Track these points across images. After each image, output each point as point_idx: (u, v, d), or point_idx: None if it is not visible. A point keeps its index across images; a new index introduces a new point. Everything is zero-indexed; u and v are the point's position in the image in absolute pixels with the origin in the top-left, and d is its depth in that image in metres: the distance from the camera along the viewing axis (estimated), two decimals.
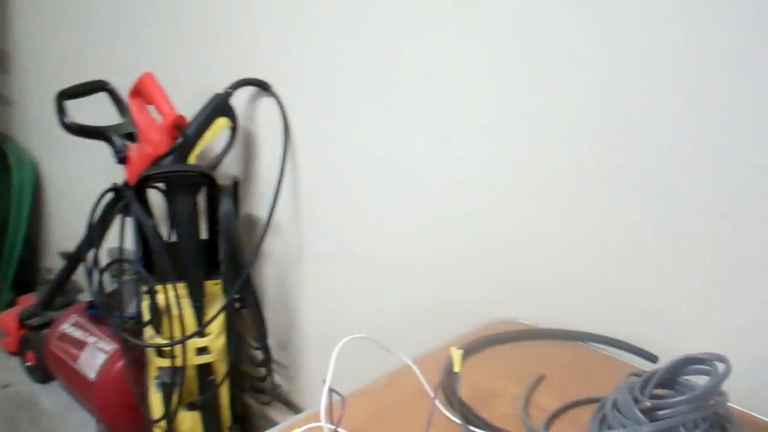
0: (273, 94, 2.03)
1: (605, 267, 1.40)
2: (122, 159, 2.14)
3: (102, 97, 2.33)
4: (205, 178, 2.03)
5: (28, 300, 2.99)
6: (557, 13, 1.37)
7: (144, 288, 2.02)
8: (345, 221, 1.94)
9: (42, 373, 2.77)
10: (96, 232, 2.26)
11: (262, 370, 2.23)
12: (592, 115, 1.35)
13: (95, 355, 2.40)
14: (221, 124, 2.07)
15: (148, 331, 2.02)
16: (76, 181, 3.04)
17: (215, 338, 2.05)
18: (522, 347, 1.36)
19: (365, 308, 1.94)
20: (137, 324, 2.03)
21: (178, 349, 2.00)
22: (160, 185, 2.06)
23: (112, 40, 2.65)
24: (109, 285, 2.30)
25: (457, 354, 1.11)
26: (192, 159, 2.06)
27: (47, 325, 2.75)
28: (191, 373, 2.10)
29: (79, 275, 2.73)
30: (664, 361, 1.21)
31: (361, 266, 1.93)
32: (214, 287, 2.11)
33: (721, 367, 1.00)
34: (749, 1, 1.14)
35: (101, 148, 2.19)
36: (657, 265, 1.32)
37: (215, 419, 2.16)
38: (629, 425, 0.99)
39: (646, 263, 1.34)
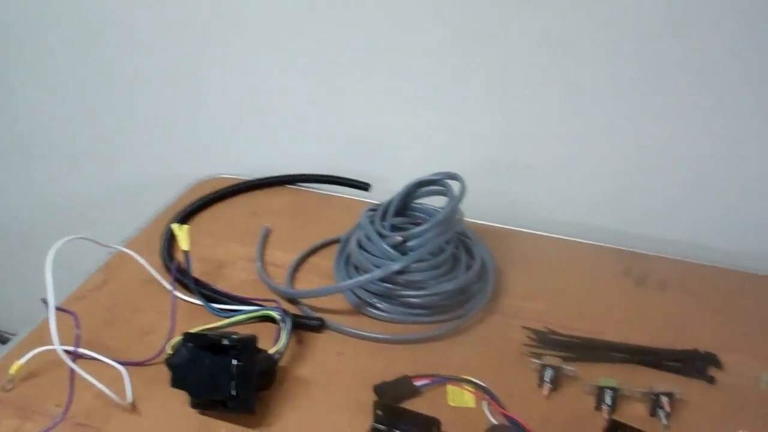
0: None
1: (311, 106, 1.35)
2: None
3: None
4: None
5: None
6: None
7: None
8: None
9: None
10: None
11: None
12: None
13: None
14: None
15: None
16: None
17: None
18: (236, 204, 1.29)
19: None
20: None
21: None
22: None
23: None
24: None
25: (182, 231, 1.00)
26: None
27: None
28: None
29: None
30: (378, 189, 1.25)
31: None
32: None
33: (456, 186, 1.04)
34: None
35: None
36: (359, 93, 1.30)
37: None
38: (382, 264, 0.99)
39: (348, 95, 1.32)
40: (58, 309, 0.86)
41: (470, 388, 0.90)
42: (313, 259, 1.14)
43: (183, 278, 1.02)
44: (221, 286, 1.05)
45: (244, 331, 0.89)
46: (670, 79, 1.13)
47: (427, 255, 1.00)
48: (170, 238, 1.13)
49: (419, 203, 1.10)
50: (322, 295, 1.01)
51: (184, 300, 1.01)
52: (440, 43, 1.21)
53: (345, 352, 0.96)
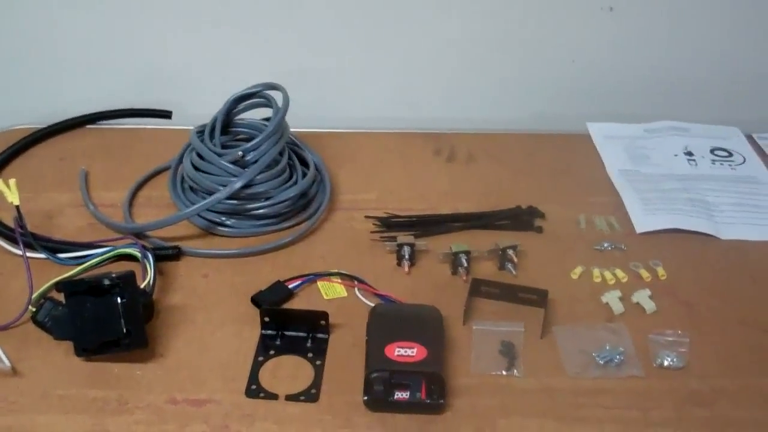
0: None
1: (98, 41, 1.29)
2: None
3: None
4: None
5: None
6: None
7: None
8: None
9: None
10: None
11: None
12: None
13: None
14: None
15: None
16: None
17: None
18: (40, 154, 1.23)
19: None
20: None
21: None
22: None
23: None
24: None
25: (9, 185, 0.94)
26: None
27: None
28: None
29: None
30: (178, 116, 1.24)
31: None
32: None
33: (279, 96, 1.07)
34: None
35: None
36: (147, 20, 1.27)
37: None
38: (224, 182, 1.01)
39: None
40: None
41: (338, 280, 0.97)
42: (144, 193, 1.13)
43: (17, 234, 0.97)
44: (59, 236, 1.02)
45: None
46: None
47: (267, 166, 1.04)
48: None
49: (241, 119, 1.12)
50: (172, 223, 1.01)
51: (28, 257, 0.96)
52: None
53: (209, 273, 0.98)
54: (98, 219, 1.06)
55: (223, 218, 1.04)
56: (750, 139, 1.31)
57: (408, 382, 0.80)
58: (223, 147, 1.07)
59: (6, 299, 0.92)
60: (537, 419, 0.80)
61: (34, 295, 0.88)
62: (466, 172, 1.21)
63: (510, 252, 0.99)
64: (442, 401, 0.80)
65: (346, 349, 0.88)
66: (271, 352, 0.87)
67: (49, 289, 0.90)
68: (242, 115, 1.12)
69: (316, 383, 0.83)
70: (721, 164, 1.24)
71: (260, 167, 1.02)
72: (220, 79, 1.18)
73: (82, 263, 0.95)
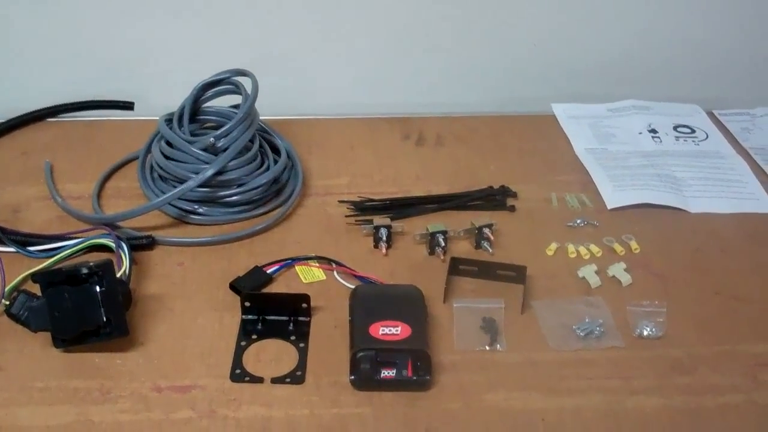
0: None
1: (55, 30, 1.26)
2: None
3: None
4: None
5: None
6: None
7: None
8: None
9: None
10: None
11: None
12: None
13: None
14: None
15: None
16: None
17: None
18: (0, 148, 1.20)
19: None
20: None
21: None
22: None
23: None
24: None
25: None
26: None
27: None
28: None
29: None
30: (140, 107, 1.23)
31: None
32: None
33: (248, 82, 1.07)
34: None
35: None
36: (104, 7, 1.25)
37: None
38: (195, 170, 1.00)
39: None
40: None
41: (316, 264, 0.97)
42: (112, 184, 1.12)
43: None
44: (26, 228, 1.00)
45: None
46: None
47: (238, 152, 1.04)
48: None
49: (209, 107, 1.12)
50: (144, 212, 1.00)
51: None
52: None
53: (184, 261, 0.98)
54: (67, 211, 1.04)
55: (196, 206, 1.03)
56: (711, 115, 1.35)
57: (394, 360, 0.81)
58: (192, 135, 1.07)
59: None
60: (522, 392, 0.82)
61: (7, 288, 0.87)
62: (436, 155, 1.22)
63: (486, 230, 1.00)
64: (428, 377, 0.81)
65: (329, 331, 0.88)
66: (254, 337, 0.87)
67: (21, 282, 0.90)
68: (210, 103, 1.12)
69: (301, 365, 0.83)
70: (685, 140, 1.27)
71: (232, 154, 1.01)
72: (183, 69, 1.17)
73: (54, 255, 0.94)
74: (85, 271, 0.80)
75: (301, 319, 0.89)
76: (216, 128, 1.06)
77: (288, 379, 0.82)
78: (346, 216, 1.06)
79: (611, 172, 1.16)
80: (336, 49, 1.32)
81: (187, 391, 0.80)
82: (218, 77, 1.09)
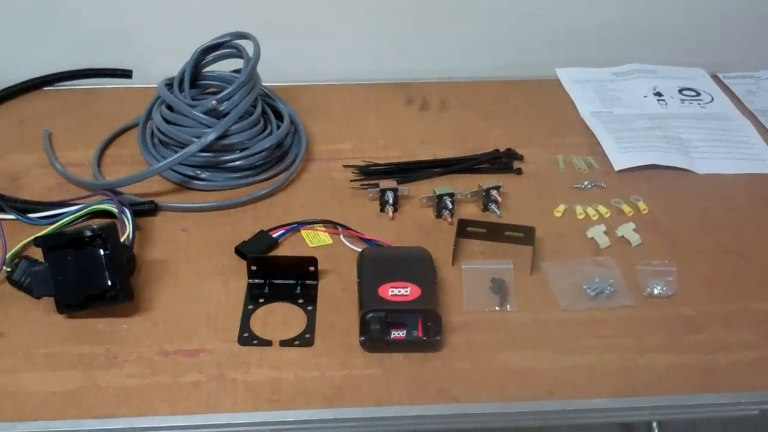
0: None
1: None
2: None
3: None
4: None
5: None
6: None
7: None
8: None
9: None
10: None
11: None
12: None
13: None
14: None
15: None
16: None
17: None
18: None
19: None
20: None
21: None
22: None
23: None
24: None
25: None
26: None
27: None
28: None
29: None
30: (138, 76, 1.22)
31: None
32: None
33: (249, 46, 1.05)
34: None
35: None
36: None
37: None
38: (197, 134, 0.99)
39: None
40: None
41: (322, 228, 0.96)
42: (111, 151, 1.10)
43: None
44: (26, 195, 0.99)
45: None
46: None
47: (241, 116, 1.02)
48: None
49: (210, 71, 1.10)
50: (145, 177, 0.99)
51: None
52: None
53: (188, 227, 0.96)
54: (67, 178, 1.03)
55: (198, 171, 1.02)
56: (715, 78, 1.34)
57: (404, 320, 0.80)
58: (193, 100, 1.05)
59: None
60: (533, 351, 0.81)
61: (8, 255, 0.86)
62: (440, 119, 1.20)
63: (494, 192, 0.99)
64: (438, 338, 0.80)
65: (337, 294, 0.87)
66: (261, 301, 0.86)
67: (22, 249, 0.88)
68: (211, 68, 1.10)
69: (310, 328, 0.83)
70: (690, 103, 1.26)
71: (235, 117, 1.00)
72: (182, 38, 1.15)
73: (55, 222, 0.92)
74: (88, 233, 0.79)
75: (308, 282, 0.88)
76: (217, 93, 1.03)
77: (297, 342, 0.81)
78: (351, 180, 1.05)
79: (618, 135, 1.15)
80: (338, 14, 1.30)
81: (195, 355, 0.79)
82: (219, 40, 1.07)
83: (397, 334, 0.80)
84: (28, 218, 0.94)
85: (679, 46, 1.39)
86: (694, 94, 1.28)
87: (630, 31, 1.37)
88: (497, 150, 1.11)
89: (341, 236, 0.95)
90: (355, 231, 0.94)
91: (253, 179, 1.03)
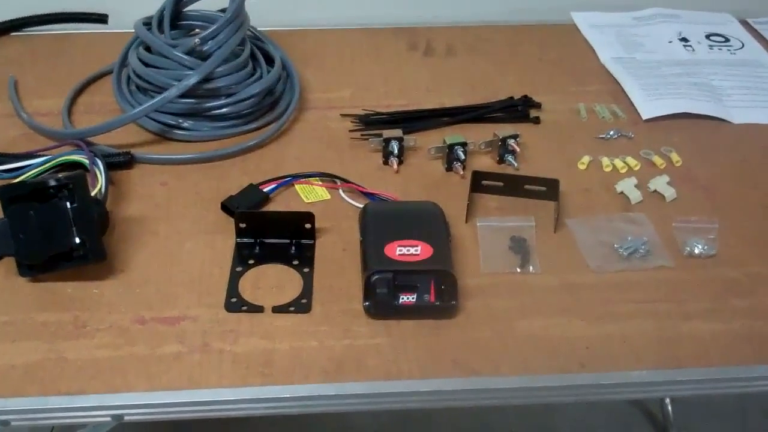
0: None
1: None
2: None
3: None
4: None
5: None
6: None
7: None
8: None
9: None
10: None
11: None
12: None
13: None
14: None
15: None
16: None
17: None
18: None
19: None
20: None
21: None
22: None
23: None
24: None
25: None
26: None
27: None
28: None
29: None
30: (115, 21, 1.12)
31: None
32: None
33: None
34: None
35: None
36: None
37: None
38: (180, 77, 0.89)
39: None
40: None
41: (319, 182, 0.87)
42: (83, 99, 1.00)
43: None
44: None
45: None
46: None
47: (227, 58, 0.92)
48: None
49: (193, 9, 0.99)
50: (120, 125, 0.89)
51: None
52: None
53: (168, 181, 0.87)
54: (33, 128, 0.93)
55: (180, 120, 0.92)
56: (744, 24, 1.24)
57: (414, 283, 0.71)
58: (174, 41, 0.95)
59: None
60: (560, 318, 0.72)
61: None
62: (447, 66, 1.10)
63: (511, 142, 0.89)
64: (454, 303, 0.71)
65: (336, 255, 0.78)
66: (251, 262, 0.76)
67: None
68: (193, 6, 0.99)
69: (306, 292, 0.73)
70: (720, 49, 1.16)
71: (219, 58, 0.90)
72: None
73: (20, 175, 0.83)
74: (52, 183, 0.69)
75: (304, 241, 0.79)
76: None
77: (292, 308, 0.72)
78: (350, 131, 0.95)
79: (643, 81, 1.05)
80: None
81: (176, 323, 0.70)
82: None
83: (407, 298, 0.70)
84: None
85: None
86: (722, 40, 1.19)
87: None
88: (512, 98, 1.01)
89: (340, 190, 0.85)
90: (356, 185, 0.85)
91: (241, 128, 0.94)
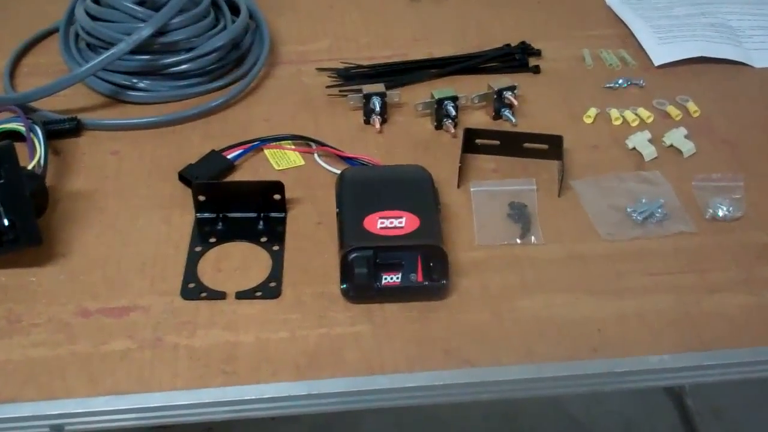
0: None
1: None
2: None
3: None
4: None
5: None
6: None
7: None
8: None
9: None
10: None
11: None
12: None
13: None
14: None
15: None
16: None
17: None
18: None
19: None
20: None
21: None
22: None
23: None
24: None
25: None
26: None
27: None
28: None
29: None
30: None
31: None
32: None
33: None
34: None
35: None
36: None
37: None
38: (132, 30, 0.80)
39: None
40: None
41: (292, 146, 0.78)
42: (28, 61, 0.91)
43: None
44: None
45: None
46: None
47: (184, 6, 0.83)
48: None
49: None
50: (64, 87, 0.80)
51: None
52: None
53: (120, 150, 0.78)
54: None
55: (134, 80, 0.84)
56: None
57: (399, 260, 0.63)
58: None
59: None
60: (567, 295, 0.65)
61: None
62: (436, 11, 1.01)
63: (508, 95, 0.81)
64: (444, 282, 0.63)
65: (311, 229, 0.70)
66: (212, 240, 0.68)
67: None
68: None
69: (275, 274, 0.66)
70: None
71: (175, 7, 0.80)
72: None
73: None
74: None
75: (273, 215, 0.71)
76: None
77: (259, 293, 0.64)
78: (327, 87, 0.86)
79: (655, 23, 0.96)
80: None
81: (125, 315, 0.62)
82: None
83: (390, 279, 0.63)
84: None
85: None
86: None
87: None
88: (508, 45, 0.92)
89: (315, 155, 0.77)
90: (333, 148, 0.76)
91: (203, 87, 0.85)
